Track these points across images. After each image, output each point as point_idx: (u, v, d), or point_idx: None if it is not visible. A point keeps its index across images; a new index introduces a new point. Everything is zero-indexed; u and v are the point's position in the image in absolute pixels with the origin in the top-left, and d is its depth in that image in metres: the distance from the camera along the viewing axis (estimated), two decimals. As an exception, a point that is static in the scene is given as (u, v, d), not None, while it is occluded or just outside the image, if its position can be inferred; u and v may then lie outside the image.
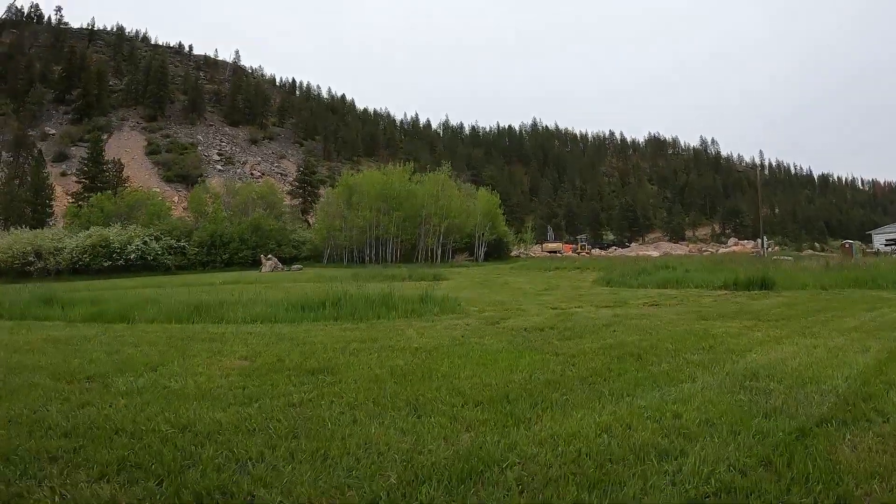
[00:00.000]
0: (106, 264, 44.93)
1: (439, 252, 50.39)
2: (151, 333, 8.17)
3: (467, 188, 60.67)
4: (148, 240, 47.64)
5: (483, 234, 52.27)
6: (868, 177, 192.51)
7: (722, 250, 65.11)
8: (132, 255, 45.79)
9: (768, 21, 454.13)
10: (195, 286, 19.52)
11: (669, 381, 4.93)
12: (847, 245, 50.28)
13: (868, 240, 59.28)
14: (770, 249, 55.79)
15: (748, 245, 74.11)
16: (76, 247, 44.74)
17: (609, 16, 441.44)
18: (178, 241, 50.41)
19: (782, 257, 36.81)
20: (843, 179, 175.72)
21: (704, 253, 59.53)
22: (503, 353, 6.32)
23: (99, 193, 64.37)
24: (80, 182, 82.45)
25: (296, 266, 45.33)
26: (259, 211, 56.91)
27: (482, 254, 52.58)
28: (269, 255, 46.36)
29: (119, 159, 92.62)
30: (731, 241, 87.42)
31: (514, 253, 60.81)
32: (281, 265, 44.70)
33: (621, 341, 7.07)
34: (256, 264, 45.23)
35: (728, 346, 6.65)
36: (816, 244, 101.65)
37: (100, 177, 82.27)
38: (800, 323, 8.76)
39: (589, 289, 18.19)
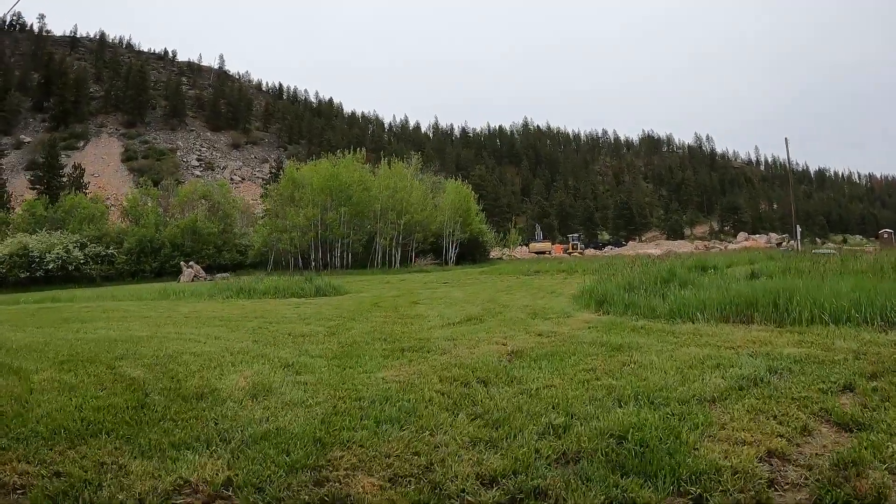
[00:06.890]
0: (23, 276, 37.54)
1: (398, 255, 39.85)
2: None
3: (436, 181, 49.28)
4: (71, 247, 39.44)
5: (453, 232, 41.56)
6: (865, 171, 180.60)
7: (731, 246, 54.60)
8: (51, 265, 37.89)
9: (757, 19, 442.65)
10: None
11: None
12: (886, 234, 41.82)
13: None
14: (788, 244, 45.37)
15: (760, 240, 63.42)
16: (-5, 257, 37.35)
17: (599, 16, 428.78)
18: (108, 248, 42.59)
19: (825, 251, 26.51)
20: (840, 174, 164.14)
21: (713, 250, 49.10)
22: None
23: (31, 198, 55.58)
24: (34, 189, 74.45)
25: (221, 275, 35.21)
26: (198, 212, 46.71)
27: (453, 256, 41.82)
28: (190, 263, 36.37)
29: (80, 164, 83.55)
30: (741, 235, 76.45)
31: (494, 254, 50.14)
32: (204, 274, 34.87)
33: None
34: (186, 273, 35.58)
35: None
36: (818, 239, 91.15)
37: (55, 182, 74.17)
38: None
39: (557, 321, 7.97)
